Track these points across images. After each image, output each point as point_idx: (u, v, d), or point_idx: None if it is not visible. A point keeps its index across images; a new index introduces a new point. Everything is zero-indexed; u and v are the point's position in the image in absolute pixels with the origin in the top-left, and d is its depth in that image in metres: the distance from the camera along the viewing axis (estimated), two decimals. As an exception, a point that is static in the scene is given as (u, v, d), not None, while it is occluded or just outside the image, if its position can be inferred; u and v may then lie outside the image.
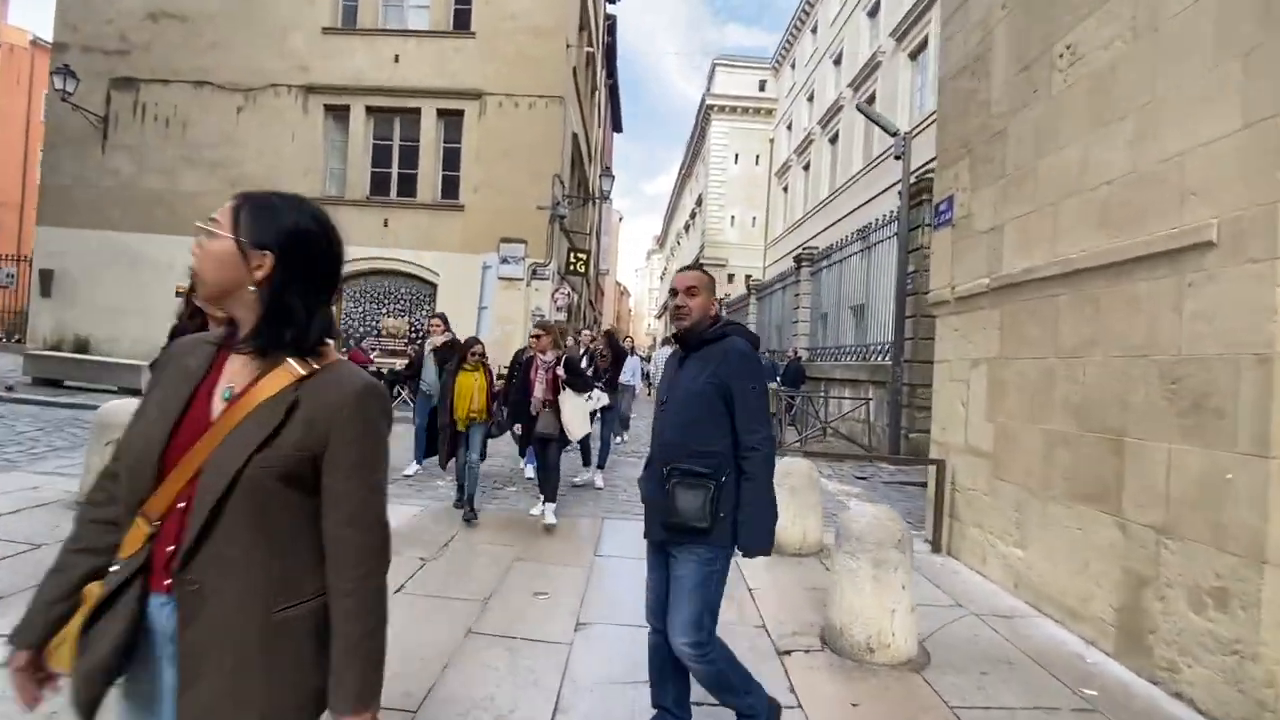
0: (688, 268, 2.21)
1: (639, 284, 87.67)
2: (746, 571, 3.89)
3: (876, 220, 10.74)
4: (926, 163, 9.02)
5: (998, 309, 4.04)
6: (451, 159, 13.11)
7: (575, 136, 14.59)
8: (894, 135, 9.02)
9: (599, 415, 6.16)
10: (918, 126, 15.84)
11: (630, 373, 9.37)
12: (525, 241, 12.64)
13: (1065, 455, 3.32)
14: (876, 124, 9.18)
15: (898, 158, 8.94)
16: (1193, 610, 2.54)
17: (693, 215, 41.06)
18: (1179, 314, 2.67)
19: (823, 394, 11.66)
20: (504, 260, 12.60)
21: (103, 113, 13.17)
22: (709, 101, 34.13)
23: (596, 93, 20.10)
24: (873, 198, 18.44)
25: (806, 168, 26.69)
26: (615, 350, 6.62)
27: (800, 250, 14.60)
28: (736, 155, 34.07)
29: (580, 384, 5.04)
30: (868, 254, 11.01)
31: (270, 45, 13.03)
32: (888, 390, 9.40)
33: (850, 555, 2.88)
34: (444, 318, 6.35)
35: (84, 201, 13.11)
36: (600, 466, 6.52)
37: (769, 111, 33.02)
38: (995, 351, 4.05)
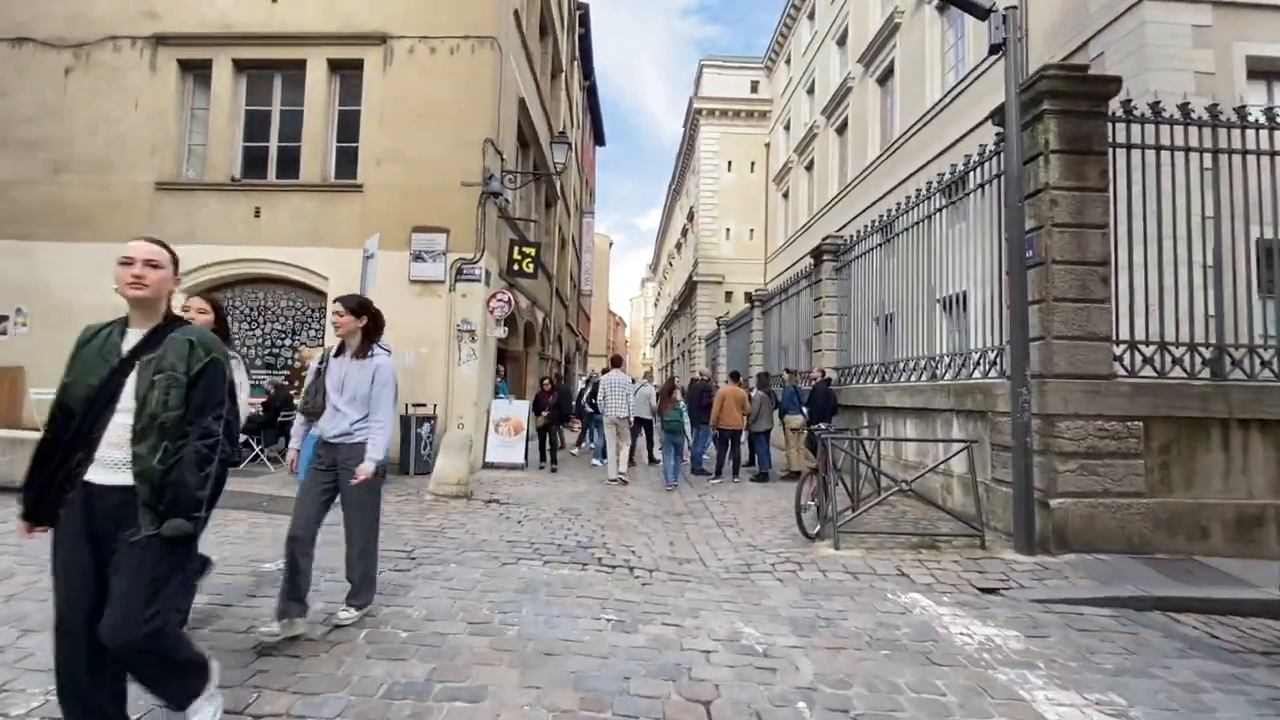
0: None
1: (634, 314, 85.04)
2: None
3: (943, 173, 7.30)
4: (1030, 78, 5.56)
5: None
6: (349, 126, 9.73)
7: (523, 102, 11.25)
8: (985, 16, 5.64)
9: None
10: (960, 85, 12.47)
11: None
12: (447, 231, 9.17)
13: None
14: (956, 2, 5.84)
15: (995, 48, 5.54)
16: None
17: (684, 233, 37.89)
18: None
19: (870, 430, 8.01)
20: (417, 257, 9.10)
21: (-123, 78, 9.85)
22: (696, 105, 31.22)
23: (562, 74, 16.92)
24: (897, 185, 15.13)
25: (809, 167, 23.54)
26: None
27: (823, 242, 11.14)
28: (729, 163, 31.04)
29: None
30: (927, 225, 7.54)
31: (105, -16, 9.79)
32: (994, 426, 5.80)
33: None
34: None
35: None
36: None
37: (763, 114, 30.13)
38: None
